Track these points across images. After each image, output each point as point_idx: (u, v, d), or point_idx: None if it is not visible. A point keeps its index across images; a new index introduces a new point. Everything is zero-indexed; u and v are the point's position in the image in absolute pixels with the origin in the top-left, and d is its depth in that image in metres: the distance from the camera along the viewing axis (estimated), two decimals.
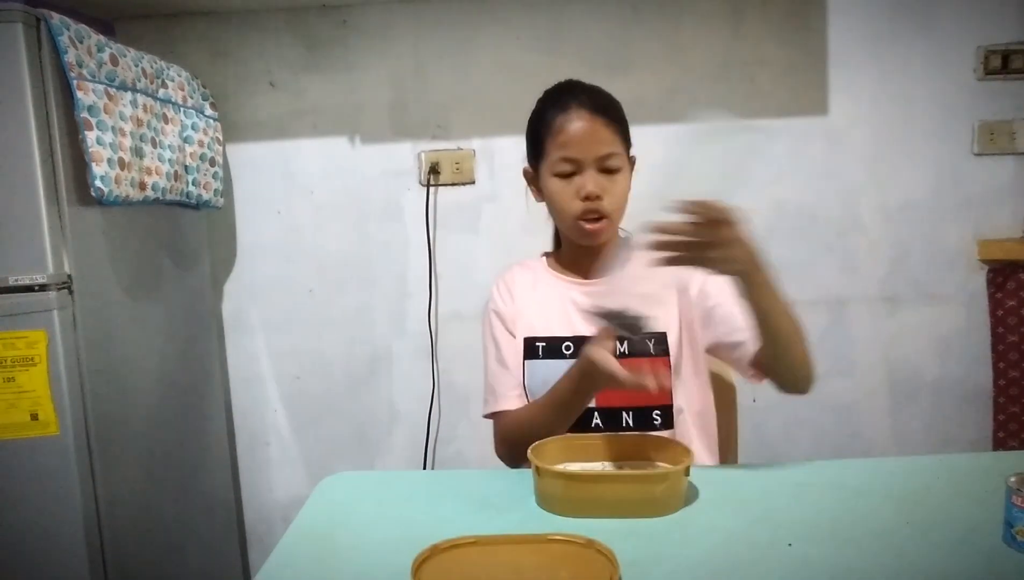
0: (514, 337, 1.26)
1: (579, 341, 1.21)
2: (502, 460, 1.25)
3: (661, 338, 1.20)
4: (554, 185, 1.19)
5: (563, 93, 1.20)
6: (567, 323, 1.24)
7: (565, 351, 1.21)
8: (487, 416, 1.27)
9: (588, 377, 1.06)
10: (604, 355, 1.01)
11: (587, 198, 1.15)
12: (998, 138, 1.94)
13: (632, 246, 1.26)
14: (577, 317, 1.23)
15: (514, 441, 1.19)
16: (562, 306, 1.25)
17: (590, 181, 1.15)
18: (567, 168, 1.16)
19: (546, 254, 1.35)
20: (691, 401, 1.22)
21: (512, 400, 1.23)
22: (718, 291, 1.19)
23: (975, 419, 2.04)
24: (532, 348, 1.24)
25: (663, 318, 1.21)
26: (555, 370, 1.19)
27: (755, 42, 1.95)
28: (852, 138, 1.98)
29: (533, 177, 1.26)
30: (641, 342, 1.20)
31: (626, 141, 1.20)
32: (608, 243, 1.24)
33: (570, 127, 1.15)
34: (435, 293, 2.07)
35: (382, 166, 2.04)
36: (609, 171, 1.16)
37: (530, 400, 1.23)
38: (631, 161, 1.23)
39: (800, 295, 1.99)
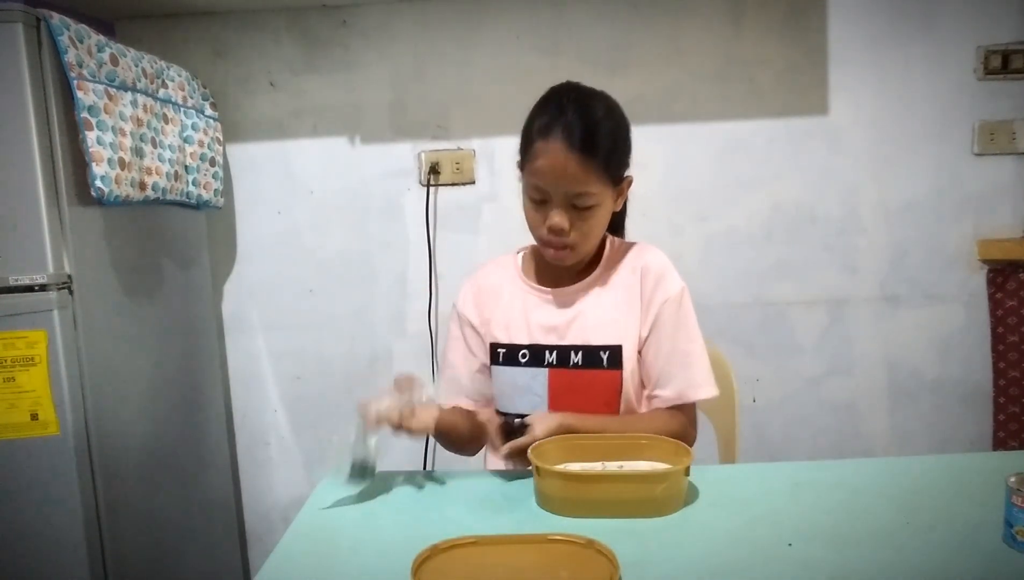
0: (467, 343, 1.30)
1: (535, 350, 1.22)
2: None
3: (616, 351, 1.18)
4: (527, 204, 1.18)
5: (552, 112, 1.12)
6: (526, 332, 1.23)
7: (521, 359, 1.22)
8: None
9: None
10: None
11: (551, 230, 1.14)
12: (998, 138, 1.94)
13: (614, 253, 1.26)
14: (536, 327, 1.23)
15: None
16: (524, 314, 1.24)
17: (557, 215, 1.12)
18: (538, 196, 1.14)
19: (523, 250, 1.33)
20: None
21: (447, 397, 1.29)
22: (659, 339, 1.19)
23: (975, 419, 2.04)
24: (495, 354, 1.25)
25: (621, 329, 1.19)
26: (512, 376, 1.22)
27: (755, 42, 1.95)
28: (852, 138, 1.98)
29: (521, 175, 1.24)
30: (593, 354, 1.19)
31: (610, 173, 1.13)
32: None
33: (543, 158, 1.10)
34: (435, 293, 2.07)
35: (382, 166, 2.04)
36: (580, 207, 1.12)
37: (496, 404, 1.27)
38: (621, 186, 1.18)
39: (800, 295, 2.02)
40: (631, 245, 1.27)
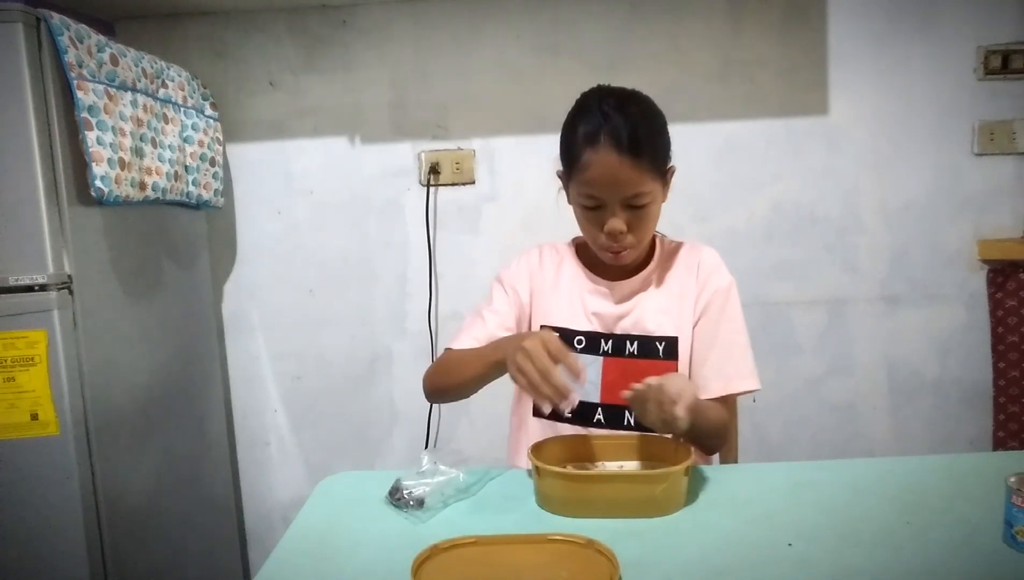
0: (509, 303, 1.26)
1: (591, 337, 1.22)
2: (424, 387, 1.25)
3: (672, 342, 1.20)
4: (579, 212, 1.18)
5: (595, 120, 1.11)
6: (583, 318, 1.24)
7: (576, 345, 1.22)
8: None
9: (500, 362, 1.05)
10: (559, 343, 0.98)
11: (610, 236, 1.14)
12: (998, 138, 1.94)
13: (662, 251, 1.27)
14: (592, 315, 1.23)
15: (439, 372, 1.22)
16: (581, 301, 1.25)
17: (614, 220, 1.12)
18: (592, 203, 1.14)
19: (576, 241, 1.33)
20: None
21: (467, 345, 1.21)
22: (705, 328, 1.21)
23: (975, 419, 2.04)
24: None
25: (676, 321, 1.21)
26: None
27: (755, 42, 1.95)
28: (852, 138, 1.98)
29: (566, 183, 1.22)
30: (649, 344, 1.20)
31: (658, 167, 1.14)
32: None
33: (595, 168, 1.10)
34: (435, 293, 2.07)
35: (382, 166, 2.04)
36: (636, 207, 1.13)
37: None
38: (667, 178, 1.18)
39: (800, 295, 2.03)
40: (681, 244, 1.29)
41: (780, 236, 2.02)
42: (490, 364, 1.10)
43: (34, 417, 1.31)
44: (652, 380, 0.97)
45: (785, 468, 1.10)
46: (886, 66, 1.95)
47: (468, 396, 1.21)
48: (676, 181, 2.03)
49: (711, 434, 1.15)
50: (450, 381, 1.20)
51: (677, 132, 1.96)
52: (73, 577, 1.35)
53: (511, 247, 1.99)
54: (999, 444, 2.01)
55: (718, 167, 2.00)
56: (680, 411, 0.94)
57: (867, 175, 1.99)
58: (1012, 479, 0.82)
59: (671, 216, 1.99)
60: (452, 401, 1.27)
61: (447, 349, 1.25)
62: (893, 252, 2.01)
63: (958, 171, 1.97)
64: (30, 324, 1.30)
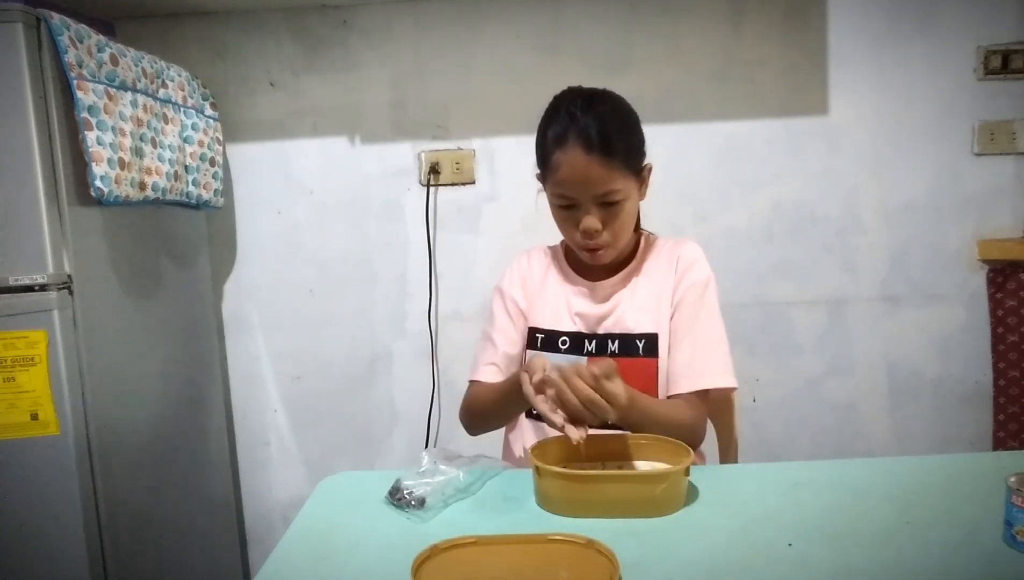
0: (511, 318, 1.28)
1: (575, 337, 1.23)
2: (461, 423, 1.30)
3: (652, 339, 1.20)
4: (556, 213, 1.20)
5: (562, 120, 1.13)
6: (567, 319, 1.25)
7: (561, 346, 1.23)
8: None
9: (518, 397, 1.05)
10: (528, 388, 1.01)
11: (584, 234, 1.15)
12: (998, 138, 1.94)
13: (647, 248, 1.27)
14: (576, 316, 1.24)
15: (469, 412, 1.27)
16: (565, 302, 1.26)
17: (588, 218, 1.14)
18: (565, 202, 1.15)
19: (564, 242, 1.34)
20: None
21: (487, 373, 1.25)
22: (678, 323, 1.21)
23: (975, 419, 2.04)
24: (533, 338, 1.26)
25: (656, 318, 1.21)
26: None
27: (755, 42, 1.95)
28: (852, 138, 1.98)
29: (543, 185, 1.24)
30: (630, 342, 1.20)
31: (631, 165, 1.15)
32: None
33: (564, 168, 1.12)
34: (435, 293, 2.07)
35: (382, 166, 2.04)
36: (609, 204, 1.14)
37: None
38: (643, 175, 1.19)
39: (800, 295, 2.03)
40: (667, 240, 1.29)
41: (780, 236, 2.02)
42: (518, 407, 1.18)
43: (34, 417, 1.31)
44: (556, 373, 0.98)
45: (785, 468, 1.10)
46: (886, 66, 1.95)
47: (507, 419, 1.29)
48: (676, 181, 2.03)
49: (671, 431, 1.08)
50: (488, 424, 1.28)
51: (677, 132, 1.99)
52: (73, 577, 1.35)
53: (511, 247, 1.99)
54: (999, 444, 2.01)
55: (718, 167, 2.00)
56: (603, 385, 0.95)
57: (867, 175, 1.99)
58: (1012, 479, 0.82)
59: (671, 216, 2.02)
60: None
61: (470, 382, 1.28)
62: (893, 252, 2.01)
63: (958, 171, 1.97)
64: (30, 324, 1.30)
